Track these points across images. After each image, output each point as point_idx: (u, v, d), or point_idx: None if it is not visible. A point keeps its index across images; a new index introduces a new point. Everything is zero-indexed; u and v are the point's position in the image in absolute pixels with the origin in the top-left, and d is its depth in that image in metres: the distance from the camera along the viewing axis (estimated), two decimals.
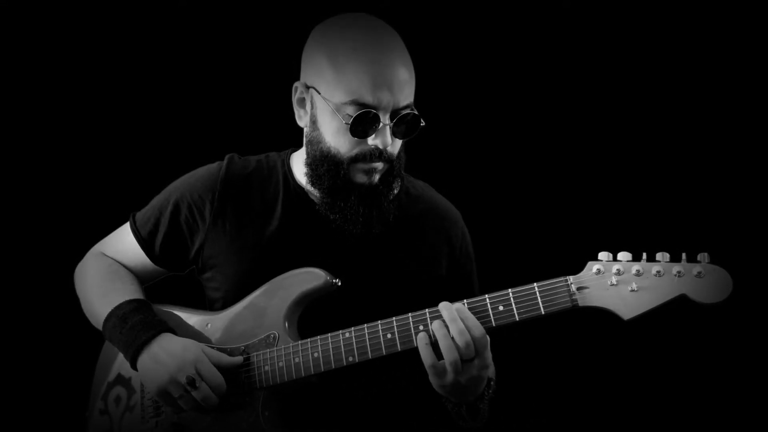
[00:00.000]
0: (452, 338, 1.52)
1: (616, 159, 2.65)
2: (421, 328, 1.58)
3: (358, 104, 1.63)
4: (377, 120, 1.64)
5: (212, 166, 1.87)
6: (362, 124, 1.64)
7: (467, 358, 1.52)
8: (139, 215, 1.91)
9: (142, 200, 1.94)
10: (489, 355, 1.57)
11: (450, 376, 1.54)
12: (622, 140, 2.65)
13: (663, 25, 2.57)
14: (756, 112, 2.54)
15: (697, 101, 2.59)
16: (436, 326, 1.55)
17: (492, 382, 1.65)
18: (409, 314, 1.59)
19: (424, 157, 1.95)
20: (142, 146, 2.76)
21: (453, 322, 1.53)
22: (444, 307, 1.55)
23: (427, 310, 1.58)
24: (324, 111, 1.69)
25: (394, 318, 1.60)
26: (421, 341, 1.56)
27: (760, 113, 2.53)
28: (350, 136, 1.65)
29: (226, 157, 1.88)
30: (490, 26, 2.67)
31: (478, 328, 1.53)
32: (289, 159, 1.87)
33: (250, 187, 1.83)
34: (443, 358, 1.53)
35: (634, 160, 2.64)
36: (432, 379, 1.57)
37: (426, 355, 1.55)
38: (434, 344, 1.55)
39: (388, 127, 1.65)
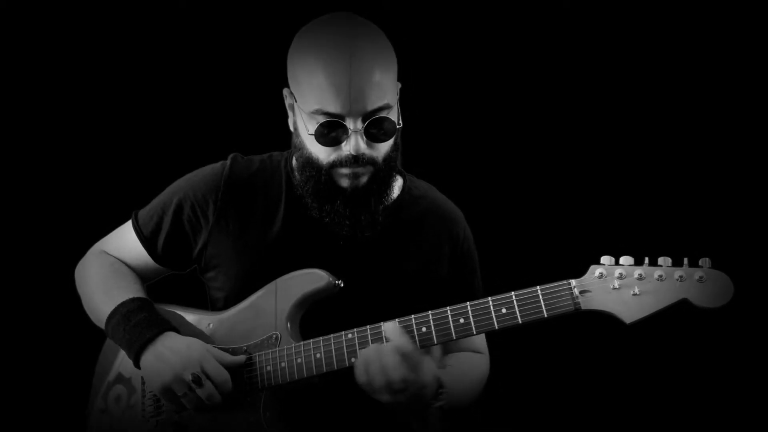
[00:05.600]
0: (385, 364, 1.53)
1: (619, 163, 2.65)
2: (423, 329, 1.58)
3: (323, 113, 1.63)
4: (344, 128, 1.63)
5: (215, 166, 1.87)
6: (328, 133, 1.64)
7: (400, 387, 1.53)
8: (142, 214, 1.90)
9: (144, 199, 1.93)
10: (425, 374, 1.56)
11: (386, 396, 1.55)
12: (624, 144, 2.65)
13: (663, 25, 2.58)
14: (757, 117, 2.54)
15: (698, 105, 2.59)
16: (364, 353, 1.57)
17: (441, 389, 1.64)
18: (412, 316, 1.60)
19: (426, 159, 1.95)
20: (143, 145, 2.76)
21: (384, 356, 1.54)
22: (387, 332, 1.58)
23: (430, 312, 1.59)
24: (300, 119, 1.70)
25: (396, 319, 1.60)
26: (358, 361, 1.57)
27: (762, 118, 2.54)
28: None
29: (230, 156, 1.88)
30: (490, 26, 2.68)
31: (410, 355, 1.53)
32: (292, 159, 1.87)
33: (253, 187, 1.83)
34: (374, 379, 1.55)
35: (636, 165, 2.64)
36: (373, 396, 1.58)
37: (359, 374, 1.56)
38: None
39: (358, 134, 1.64)
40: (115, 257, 1.93)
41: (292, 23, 1.79)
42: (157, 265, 1.90)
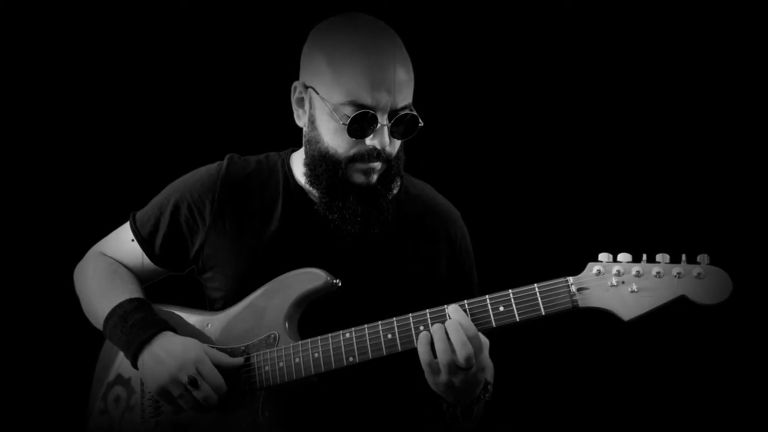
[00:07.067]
0: (450, 342, 1.52)
1: (617, 160, 2.65)
2: (421, 328, 1.58)
3: (356, 105, 1.64)
4: (375, 121, 1.64)
5: (212, 167, 1.87)
6: (360, 124, 1.64)
7: (464, 366, 1.52)
8: (139, 215, 1.91)
9: (142, 200, 1.94)
10: (485, 358, 1.56)
11: (444, 376, 1.54)
12: (622, 141, 2.65)
13: (663, 25, 2.58)
14: (756, 112, 2.54)
15: (696, 101, 2.59)
16: (435, 329, 1.54)
17: (489, 386, 1.64)
18: (410, 314, 1.59)
19: (424, 157, 1.95)
20: (142, 146, 2.76)
21: (455, 331, 1.52)
22: (451, 312, 1.55)
23: (428, 310, 1.59)
24: (322, 111, 1.69)
25: (394, 318, 1.60)
26: (421, 339, 1.55)
27: (760, 113, 2.54)
28: (348, 136, 1.66)
29: (226, 157, 1.89)
30: (490, 26, 2.68)
31: (475, 337, 1.53)
32: (289, 159, 1.87)
33: (250, 187, 1.83)
34: (437, 357, 1.53)
35: (634, 161, 2.64)
36: (427, 377, 1.57)
37: (423, 352, 1.54)
38: (432, 344, 1.55)
39: (386, 128, 1.65)
40: (113, 259, 1.94)
41: (291, 23, 1.79)
42: (154, 266, 1.90)
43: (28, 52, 2.70)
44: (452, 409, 1.65)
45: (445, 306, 1.58)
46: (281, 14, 2.62)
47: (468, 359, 1.51)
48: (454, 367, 1.52)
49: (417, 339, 1.57)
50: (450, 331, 1.53)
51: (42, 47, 2.70)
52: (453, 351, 1.52)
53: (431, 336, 1.55)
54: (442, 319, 1.57)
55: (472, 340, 1.52)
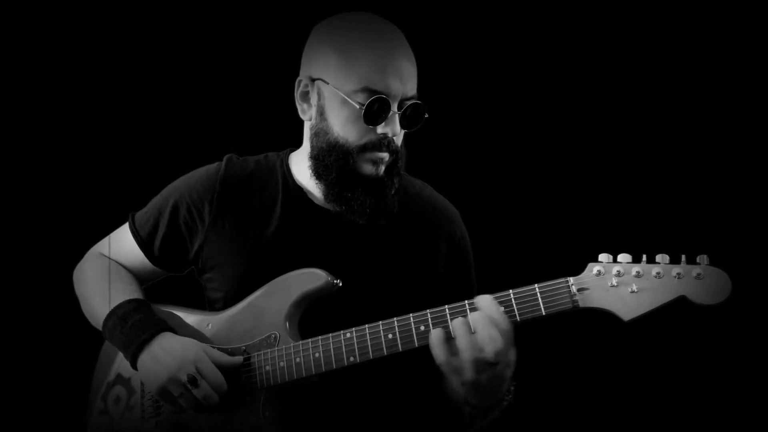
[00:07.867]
0: (476, 337, 1.48)
1: (617, 160, 2.65)
2: (422, 328, 1.58)
3: (370, 91, 1.65)
4: (388, 107, 1.66)
5: (211, 167, 1.88)
6: (374, 110, 1.65)
7: (493, 361, 1.48)
8: (139, 216, 1.91)
9: (142, 200, 1.94)
10: (513, 353, 1.51)
11: (470, 374, 1.49)
12: (622, 141, 2.65)
13: (663, 25, 2.58)
14: (756, 112, 2.54)
15: (697, 102, 2.59)
16: (457, 324, 1.51)
17: (512, 387, 1.62)
18: (410, 315, 1.59)
19: (424, 156, 1.95)
20: (142, 146, 2.76)
21: (485, 326, 1.48)
22: (482, 304, 1.51)
23: (428, 310, 1.58)
24: (333, 101, 1.70)
25: (395, 318, 1.60)
26: (436, 338, 1.51)
27: (760, 114, 2.54)
28: (360, 124, 1.67)
29: (225, 157, 1.89)
30: (489, 27, 2.68)
31: (508, 332, 1.48)
32: (288, 159, 1.87)
33: (249, 187, 1.84)
34: (459, 355, 1.49)
35: (634, 162, 2.64)
36: (450, 378, 1.53)
37: (439, 352, 1.50)
38: (449, 340, 1.51)
39: (397, 116, 1.67)
40: (112, 259, 1.94)
41: (290, 23, 1.79)
42: (154, 267, 1.90)
43: (28, 52, 2.70)
44: (475, 412, 1.61)
45: (476, 297, 1.54)
46: (280, 15, 2.62)
47: (498, 354, 1.46)
48: (482, 364, 1.48)
49: (429, 338, 1.52)
50: (479, 325, 1.48)
51: (42, 47, 2.70)
52: (480, 347, 1.47)
53: (445, 334, 1.51)
54: (443, 319, 1.55)
55: (504, 334, 1.47)
